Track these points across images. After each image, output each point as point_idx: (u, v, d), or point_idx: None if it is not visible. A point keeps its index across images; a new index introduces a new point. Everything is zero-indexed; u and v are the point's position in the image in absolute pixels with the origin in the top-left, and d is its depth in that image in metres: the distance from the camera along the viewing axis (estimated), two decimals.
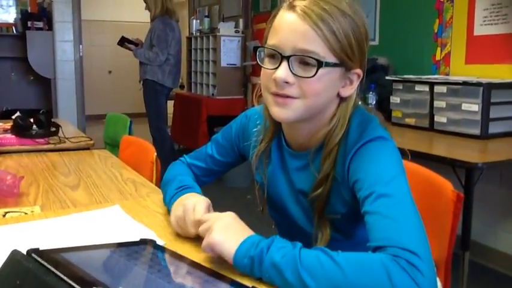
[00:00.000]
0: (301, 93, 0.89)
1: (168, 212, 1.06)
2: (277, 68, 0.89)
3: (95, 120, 6.54)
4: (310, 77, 0.87)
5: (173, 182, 1.11)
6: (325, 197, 0.95)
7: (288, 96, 0.90)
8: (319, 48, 0.87)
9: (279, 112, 0.92)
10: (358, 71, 0.93)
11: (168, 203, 1.08)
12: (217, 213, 0.89)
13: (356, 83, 0.94)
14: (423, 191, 1.12)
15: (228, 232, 0.82)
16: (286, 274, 0.74)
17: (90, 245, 0.84)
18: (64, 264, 0.72)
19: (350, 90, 0.94)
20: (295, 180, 1.03)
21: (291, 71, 0.88)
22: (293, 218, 1.06)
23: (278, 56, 0.89)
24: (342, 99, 0.95)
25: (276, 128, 1.05)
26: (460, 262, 2.02)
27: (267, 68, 0.92)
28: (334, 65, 0.89)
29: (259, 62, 0.95)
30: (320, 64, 0.87)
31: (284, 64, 0.89)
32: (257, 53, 0.96)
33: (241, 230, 0.84)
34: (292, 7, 0.89)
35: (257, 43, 4.68)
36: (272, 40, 0.91)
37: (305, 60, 0.88)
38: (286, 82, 0.89)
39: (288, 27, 0.89)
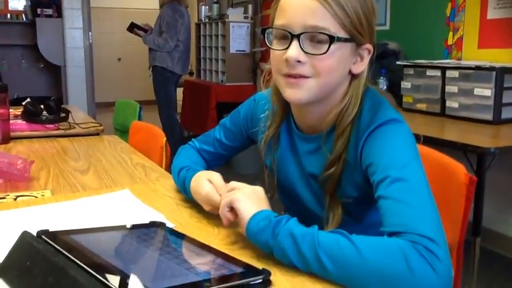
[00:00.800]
0: (314, 72, 0.88)
1: (186, 194, 1.07)
2: (287, 48, 0.88)
3: (104, 108, 6.56)
4: (323, 54, 0.86)
5: (183, 169, 1.11)
6: (336, 178, 0.94)
7: (300, 76, 0.88)
8: (330, 24, 0.86)
9: (292, 94, 0.91)
10: (369, 46, 0.92)
11: (186, 188, 1.06)
12: (248, 185, 0.89)
13: (367, 59, 0.93)
14: (435, 175, 1.10)
15: (253, 198, 0.85)
16: (302, 247, 0.74)
17: (100, 227, 0.84)
18: (73, 246, 0.72)
19: (361, 66, 0.93)
20: (305, 164, 1.02)
21: (302, 49, 0.87)
22: (303, 201, 1.05)
23: (288, 36, 0.88)
24: (353, 77, 0.94)
25: (285, 112, 1.03)
26: (471, 248, 2.01)
27: (277, 49, 0.90)
28: (346, 40, 0.87)
29: (268, 44, 0.94)
30: (332, 39, 0.85)
31: (295, 43, 0.87)
32: (265, 35, 0.94)
33: (264, 203, 0.85)
34: None
35: None
36: (280, 20, 0.90)
37: (316, 37, 0.86)
38: (298, 61, 0.87)
39: (296, 5, 0.87)
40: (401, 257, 0.69)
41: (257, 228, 0.79)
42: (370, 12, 0.90)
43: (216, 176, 0.97)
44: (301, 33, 0.86)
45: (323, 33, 0.85)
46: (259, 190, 0.88)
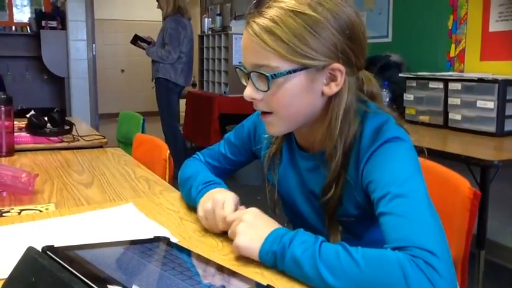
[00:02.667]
0: (270, 108, 0.91)
1: (193, 206, 1.07)
2: (247, 84, 0.92)
3: (108, 119, 6.58)
4: (266, 91, 0.88)
5: (198, 177, 1.11)
6: (336, 200, 0.94)
7: (265, 113, 0.92)
8: (270, 60, 0.85)
9: (267, 129, 0.96)
10: (337, 65, 0.86)
11: (195, 197, 1.06)
12: (240, 212, 0.91)
13: (341, 79, 0.88)
14: (439, 189, 1.10)
15: (251, 233, 0.85)
16: (305, 268, 0.75)
17: (104, 242, 0.84)
18: (78, 262, 0.72)
19: (335, 87, 0.88)
20: (306, 181, 1.02)
21: (255, 86, 0.89)
22: (305, 217, 1.05)
23: (244, 73, 0.92)
24: (331, 98, 0.90)
25: None
26: (476, 261, 2.00)
27: (245, 85, 0.93)
28: (291, 72, 0.85)
29: (241, 79, 0.96)
30: (267, 78, 0.86)
31: (249, 81, 0.91)
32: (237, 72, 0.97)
33: (264, 226, 0.85)
34: (247, 23, 0.89)
35: None
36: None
37: (259, 75, 0.88)
38: (253, 99, 0.91)
39: (244, 45, 0.90)
40: (399, 271, 0.69)
41: (268, 261, 0.81)
42: (329, 32, 0.85)
43: (229, 203, 0.96)
44: (250, 72, 0.89)
45: (260, 72, 0.87)
46: (252, 214, 0.88)
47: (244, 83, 0.94)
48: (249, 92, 0.91)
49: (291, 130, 0.96)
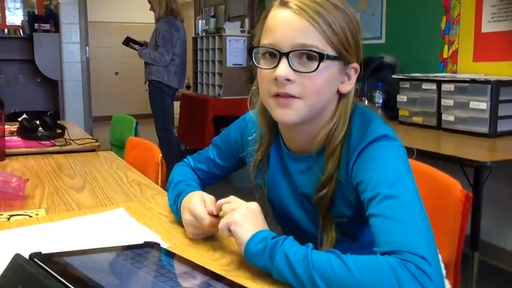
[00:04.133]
0: (302, 92, 0.87)
1: (174, 211, 1.07)
2: (276, 66, 0.87)
3: (102, 122, 6.56)
4: (312, 71, 0.86)
5: (175, 188, 1.10)
6: (329, 199, 0.93)
7: (289, 96, 0.88)
8: (318, 42, 0.86)
9: (282, 115, 0.90)
10: (355, 65, 0.92)
11: (175, 212, 1.07)
12: (243, 201, 0.89)
13: (354, 78, 0.93)
14: (431, 191, 1.10)
15: (249, 218, 0.84)
16: (297, 270, 0.74)
17: (93, 248, 0.84)
18: (67, 269, 0.71)
19: (349, 86, 0.93)
20: (297, 183, 1.01)
21: (291, 67, 0.86)
22: (297, 222, 1.04)
23: (276, 54, 0.87)
24: (341, 96, 0.93)
25: (273, 134, 1.03)
26: (470, 262, 2.00)
27: (266, 69, 0.90)
28: (334, 58, 0.87)
29: (255, 63, 0.93)
30: (322, 57, 0.85)
31: (283, 61, 0.86)
32: (253, 55, 0.93)
33: (260, 222, 0.85)
34: (284, 4, 0.88)
35: None
36: (267, 39, 0.89)
37: (305, 55, 0.86)
38: (288, 79, 0.86)
39: (284, 24, 0.87)
40: (392, 276, 0.69)
41: (255, 250, 0.79)
42: (356, 31, 0.90)
43: (208, 198, 0.97)
44: (290, 51, 0.86)
45: (312, 50, 0.85)
46: (255, 207, 0.87)
47: (263, 66, 0.90)
48: (285, 71, 0.85)
49: (305, 120, 0.91)
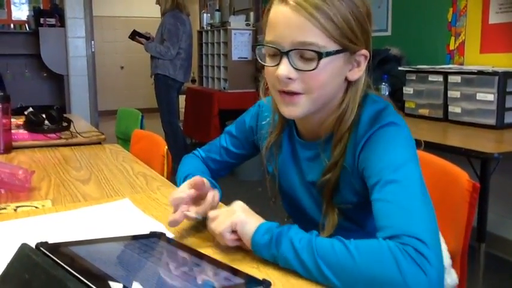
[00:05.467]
0: (306, 88, 0.87)
1: None
2: (278, 64, 0.87)
3: (107, 116, 6.57)
4: (312, 70, 0.85)
5: (182, 178, 1.10)
6: (333, 184, 0.93)
7: (293, 93, 0.88)
8: (318, 39, 0.84)
9: (287, 111, 0.91)
10: (364, 51, 0.90)
11: None
12: (224, 208, 0.89)
13: (364, 65, 0.91)
14: (438, 181, 1.09)
15: (249, 213, 0.85)
16: (302, 256, 0.75)
17: (99, 238, 0.84)
18: (73, 258, 0.71)
19: (358, 72, 0.91)
20: (305, 171, 1.01)
21: (292, 66, 0.86)
22: (304, 208, 1.05)
23: (278, 52, 0.87)
24: (350, 83, 0.92)
25: (286, 119, 1.03)
26: (476, 254, 1.99)
27: (269, 66, 0.90)
28: (336, 52, 0.85)
29: (259, 60, 0.93)
30: (320, 55, 0.84)
31: (284, 60, 0.86)
32: (257, 51, 0.93)
33: (256, 216, 0.85)
34: (283, 0, 0.86)
35: None
36: (269, 36, 0.89)
37: (305, 53, 0.85)
38: (289, 78, 0.86)
39: (283, 22, 0.86)
40: (392, 260, 0.69)
41: (262, 242, 0.80)
42: (363, 18, 0.87)
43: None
44: (290, 50, 0.85)
45: (311, 50, 0.84)
46: (243, 204, 0.87)
47: (267, 63, 0.90)
48: (286, 71, 0.85)
49: (311, 113, 0.92)
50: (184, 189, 0.93)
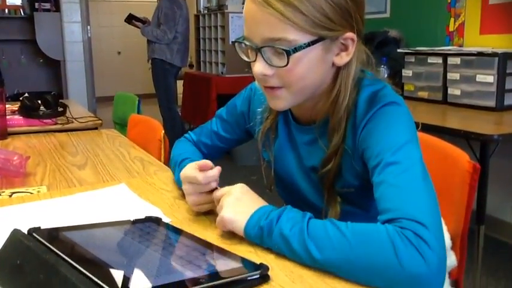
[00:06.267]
0: (284, 82, 0.85)
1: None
2: (255, 60, 0.85)
3: (105, 102, 6.53)
4: (285, 66, 0.82)
5: (178, 161, 1.09)
6: (334, 172, 0.92)
7: (274, 87, 0.86)
8: (287, 33, 0.80)
9: (273, 104, 0.91)
10: (350, 34, 0.85)
11: (177, 181, 1.05)
12: (227, 188, 0.88)
13: (352, 48, 0.86)
14: (438, 163, 1.08)
15: (238, 206, 0.83)
16: (293, 245, 0.74)
17: (93, 223, 0.83)
18: (65, 243, 0.70)
19: (346, 57, 0.87)
20: (304, 155, 1.00)
21: (266, 62, 0.84)
22: (303, 194, 1.03)
23: (252, 48, 0.85)
24: (340, 68, 0.89)
25: None
26: (475, 236, 1.99)
27: (249, 61, 0.88)
28: (309, 44, 0.81)
29: (241, 55, 0.90)
30: (288, 52, 0.81)
31: (259, 57, 0.84)
32: (237, 46, 0.90)
33: (251, 202, 0.83)
34: None
35: None
36: (245, 32, 0.86)
37: (277, 49, 0.82)
38: (265, 75, 0.85)
39: (252, 18, 0.83)
40: (389, 244, 0.67)
41: (253, 234, 0.79)
42: (344, 0, 0.82)
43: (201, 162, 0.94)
44: (261, 47, 0.83)
45: (279, 47, 0.81)
46: (241, 188, 0.86)
47: (246, 59, 0.89)
48: (261, 69, 0.84)
49: (298, 103, 0.91)
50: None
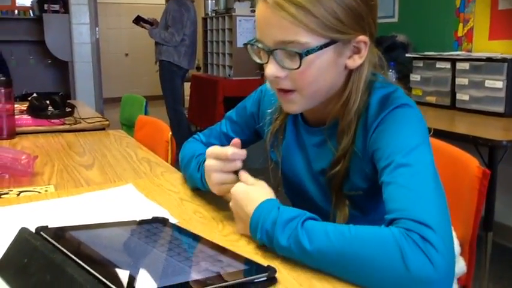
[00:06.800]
0: (295, 85, 0.85)
1: (200, 189, 1.06)
2: (267, 62, 0.85)
3: (112, 103, 6.55)
4: (297, 69, 0.82)
5: (195, 159, 1.08)
6: (342, 174, 0.91)
7: (286, 90, 0.87)
8: (299, 36, 0.80)
9: (286, 107, 0.91)
10: (362, 37, 0.84)
11: (199, 177, 1.03)
12: (252, 180, 0.88)
13: (365, 51, 0.86)
14: (447, 168, 1.07)
15: (239, 210, 0.84)
16: (296, 253, 0.73)
17: (100, 223, 0.82)
18: (72, 242, 0.70)
19: (359, 60, 0.87)
20: (312, 157, 0.99)
21: (279, 64, 0.84)
22: (310, 196, 1.02)
23: (264, 50, 0.85)
24: (352, 70, 0.88)
25: None
26: (483, 243, 1.97)
27: (261, 63, 0.88)
28: (322, 47, 0.81)
29: (253, 57, 0.90)
30: (301, 55, 0.80)
31: (271, 59, 0.84)
32: (249, 48, 0.90)
33: (251, 199, 0.82)
34: None
35: None
36: (257, 34, 0.86)
37: (289, 51, 0.82)
38: (277, 77, 0.85)
39: (264, 21, 0.83)
40: (396, 248, 0.66)
41: (257, 238, 0.79)
42: (356, 3, 0.82)
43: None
44: (274, 49, 0.83)
45: (292, 50, 0.81)
46: (240, 190, 0.86)
47: (258, 60, 0.89)
48: (273, 71, 0.84)
49: (311, 107, 0.91)
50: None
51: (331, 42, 0.82)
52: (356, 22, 0.83)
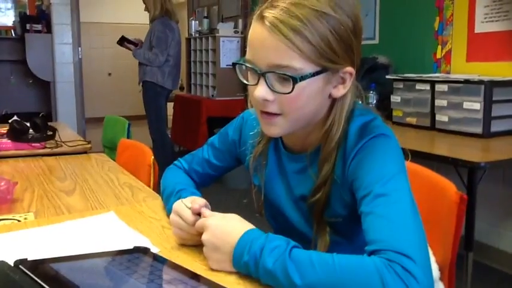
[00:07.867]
0: (283, 109, 0.86)
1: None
2: (256, 84, 0.86)
3: (95, 123, 6.51)
4: (288, 93, 0.83)
5: (169, 191, 1.10)
6: (323, 201, 0.92)
7: (272, 114, 0.87)
8: (294, 61, 0.81)
9: (267, 130, 0.91)
10: (349, 69, 0.87)
11: (168, 211, 1.05)
12: (202, 220, 0.88)
13: (349, 82, 0.88)
14: (426, 193, 1.09)
15: (216, 245, 0.83)
16: (281, 279, 0.73)
17: (81, 254, 0.82)
18: (52, 276, 0.69)
19: (343, 90, 0.89)
20: (293, 184, 1.00)
21: (269, 87, 0.84)
22: (292, 222, 1.03)
23: (256, 72, 0.86)
24: (335, 99, 0.90)
25: None
26: (464, 263, 1.99)
27: (248, 84, 0.89)
28: (313, 74, 0.83)
29: (240, 78, 0.91)
30: (295, 80, 0.82)
31: (261, 81, 0.85)
32: (237, 68, 0.91)
33: (230, 235, 0.82)
34: (261, 18, 0.83)
35: None
36: (248, 54, 0.87)
37: (281, 76, 0.83)
38: (266, 100, 0.85)
39: (259, 42, 0.84)
40: (377, 278, 0.68)
41: (239, 267, 0.79)
42: (347, 35, 0.84)
43: (199, 200, 0.94)
44: (266, 72, 0.84)
45: (286, 74, 0.82)
46: (215, 224, 0.85)
47: (245, 81, 0.89)
48: (262, 93, 0.84)
49: (292, 132, 0.92)
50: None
51: (323, 70, 0.84)
52: (346, 53, 0.85)
